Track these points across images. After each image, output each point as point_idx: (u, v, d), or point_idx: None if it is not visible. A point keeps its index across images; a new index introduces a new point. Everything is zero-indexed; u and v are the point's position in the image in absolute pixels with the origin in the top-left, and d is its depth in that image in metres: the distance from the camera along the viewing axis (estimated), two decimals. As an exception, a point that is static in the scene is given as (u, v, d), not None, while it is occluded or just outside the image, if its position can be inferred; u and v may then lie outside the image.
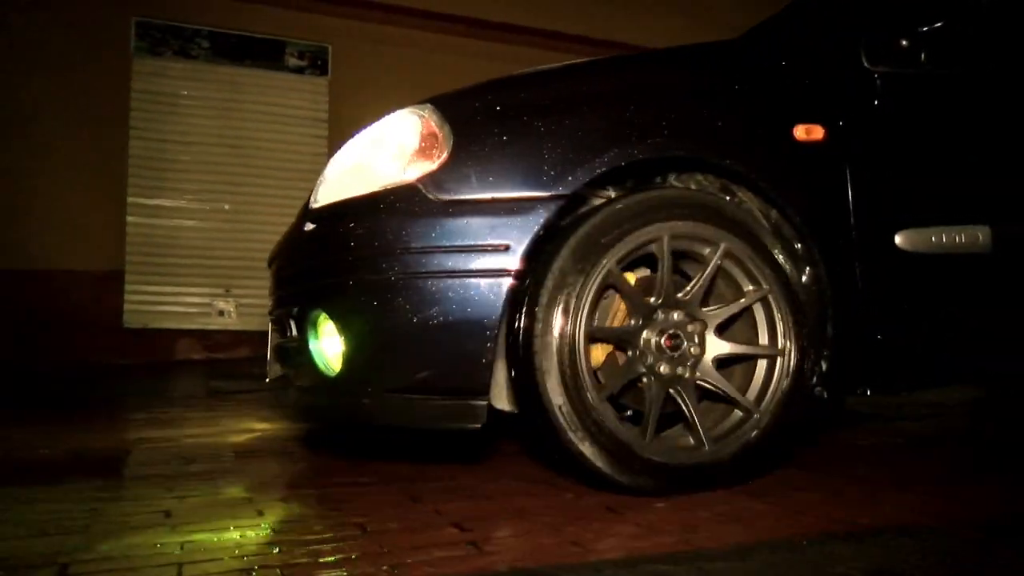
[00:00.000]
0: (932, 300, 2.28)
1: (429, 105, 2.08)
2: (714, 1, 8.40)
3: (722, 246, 2.06)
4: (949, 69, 2.35)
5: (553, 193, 1.98)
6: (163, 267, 7.57)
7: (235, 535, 1.78)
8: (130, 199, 7.46)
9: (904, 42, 2.28)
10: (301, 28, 7.97)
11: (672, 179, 2.30)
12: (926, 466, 2.58)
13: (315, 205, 2.17)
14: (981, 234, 2.27)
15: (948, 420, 3.66)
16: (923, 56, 2.31)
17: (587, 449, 1.95)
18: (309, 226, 2.16)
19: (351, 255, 2.01)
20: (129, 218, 7.45)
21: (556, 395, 1.94)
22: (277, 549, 1.66)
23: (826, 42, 2.31)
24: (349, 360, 2.02)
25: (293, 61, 8.03)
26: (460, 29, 8.25)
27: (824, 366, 2.21)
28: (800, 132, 2.18)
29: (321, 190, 2.17)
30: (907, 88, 2.30)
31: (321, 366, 2.14)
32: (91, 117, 7.22)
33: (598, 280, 1.99)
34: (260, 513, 1.98)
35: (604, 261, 1.99)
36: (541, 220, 1.96)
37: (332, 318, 2.05)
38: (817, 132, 2.19)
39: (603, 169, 2.00)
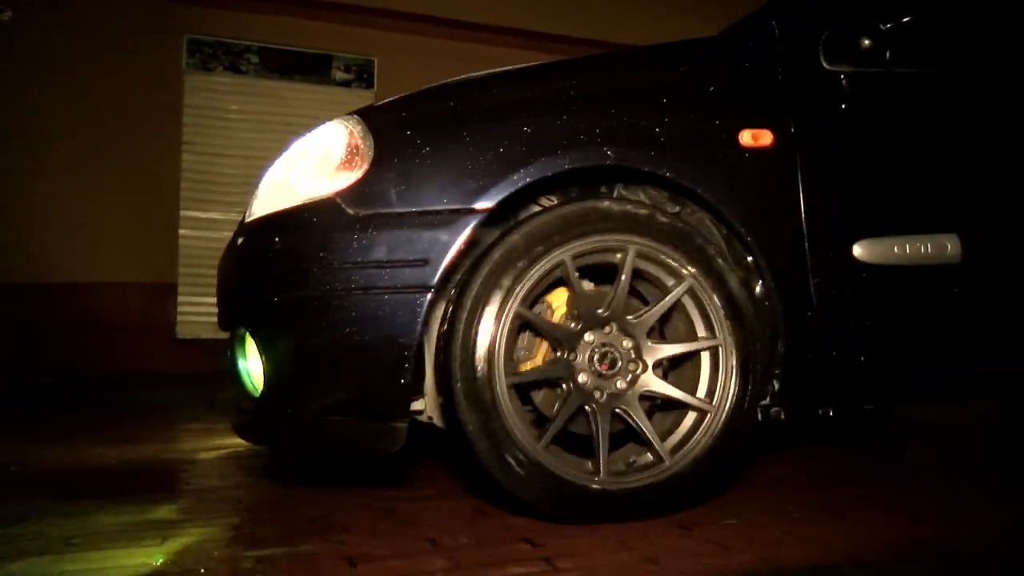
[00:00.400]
0: (895, 314, 2.13)
1: (355, 116, 2.04)
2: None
3: (631, 249, 1.98)
4: (915, 68, 2.21)
5: (474, 206, 1.91)
6: (215, 279, 7.68)
7: (307, 548, 1.79)
8: (182, 212, 7.62)
9: (866, 40, 2.15)
10: (348, 42, 8.05)
11: (620, 189, 2.21)
12: (999, 482, 2.53)
13: (248, 219, 2.15)
14: (950, 243, 2.13)
15: (1009, 431, 3.54)
16: (887, 55, 2.17)
17: (510, 483, 1.90)
18: (239, 240, 2.13)
19: (270, 272, 1.98)
20: (182, 231, 7.61)
21: (473, 422, 1.88)
22: (356, 565, 1.67)
23: (785, 42, 2.19)
24: (269, 381, 1.99)
25: (340, 75, 8.11)
26: (504, 40, 8.21)
27: (776, 384, 2.10)
28: (746, 137, 2.07)
29: (255, 204, 2.15)
30: (868, 89, 2.17)
31: (249, 386, 2.12)
32: (144, 132, 7.40)
33: (519, 299, 1.93)
34: (330, 527, 1.97)
35: (519, 287, 1.93)
36: (462, 234, 1.90)
37: (253, 337, 2.03)
38: (765, 137, 2.07)
39: (529, 180, 1.93)
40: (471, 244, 1.94)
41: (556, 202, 2.15)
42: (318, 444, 2.01)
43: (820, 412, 2.15)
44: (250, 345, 2.07)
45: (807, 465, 2.73)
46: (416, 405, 2.01)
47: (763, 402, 2.10)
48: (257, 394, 2.06)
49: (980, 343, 2.21)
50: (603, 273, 2.10)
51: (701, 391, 2.04)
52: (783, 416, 2.11)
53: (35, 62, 7.00)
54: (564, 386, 1.98)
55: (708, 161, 2.04)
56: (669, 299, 2.01)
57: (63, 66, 7.10)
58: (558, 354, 1.98)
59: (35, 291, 6.91)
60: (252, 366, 2.08)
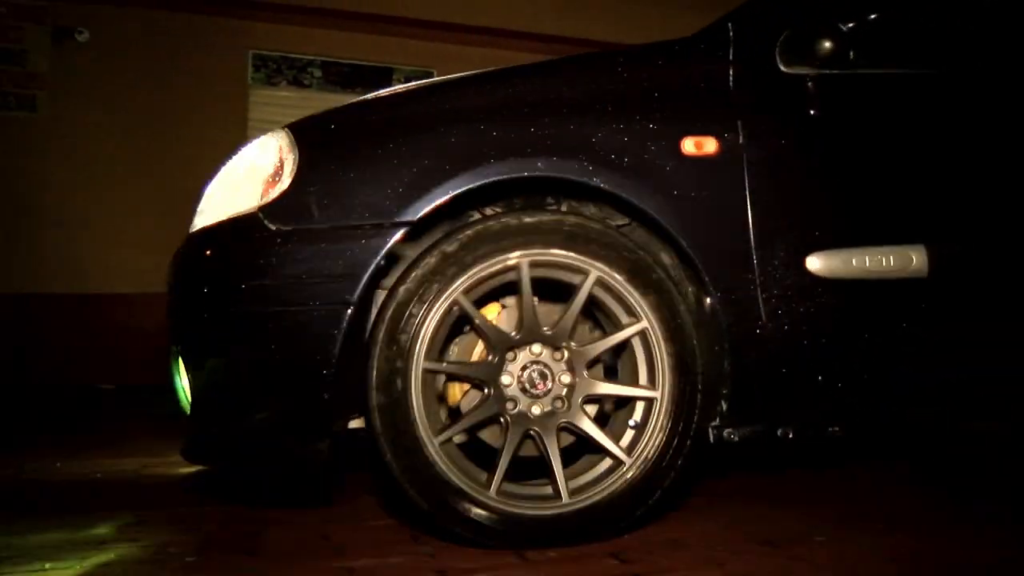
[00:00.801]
0: (855, 332, 1.99)
1: (285, 129, 2.02)
2: None
3: (524, 263, 1.91)
4: (880, 69, 2.07)
5: (395, 220, 1.87)
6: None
7: (396, 560, 1.82)
8: (247, 224, 7.77)
9: (826, 41, 2.01)
10: (408, 55, 8.10)
11: (571, 203, 2.13)
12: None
13: (190, 233, 2.15)
14: (915, 255, 1.97)
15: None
16: (850, 55, 2.04)
17: (412, 492, 1.85)
18: (175, 255, 2.14)
19: (194, 287, 1.97)
20: (247, 242, 7.75)
21: (386, 436, 1.84)
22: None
23: (739, 45, 2.07)
24: (194, 398, 1.98)
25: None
26: (561, 49, 8.12)
27: (725, 404, 1.99)
28: (689, 146, 1.96)
29: (197, 217, 2.15)
30: (827, 91, 2.04)
31: (183, 403, 2.11)
32: (210, 146, 7.55)
33: (437, 317, 1.88)
34: (415, 539, 1.99)
35: (438, 305, 1.88)
36: (383, 249, 1.85)
37: (180, 353, 2.02)
38: (709, 145, 1.97)
39: (452, 193, 1.87)
40: (393, 259, 1.90)
41: (499, 211, 2.09)
42: (244, 463, 2.00)
43: (779, 434, 2.02)
44: (180, 362, 2.06)
45: (869, 482, 2.74)
46: (356, 423, 1.99)
47: (713, 423, 1.99)
48: (187, 412, 2.05)
49: (949, 363, 2.05)
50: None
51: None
52: (736, 438, 2.00)
53: (106, 80, 7.23)
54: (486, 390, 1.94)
55: (645, 171, 1.94)
56: (577, 301, 1.93)
57: (133, 84, 7.31)
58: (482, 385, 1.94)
59: (106, 301, 7.15)
60: (184, 383, 2.08)
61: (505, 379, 1.91)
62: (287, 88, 7.95)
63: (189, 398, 2.01)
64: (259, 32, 7.77)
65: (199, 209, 2.14)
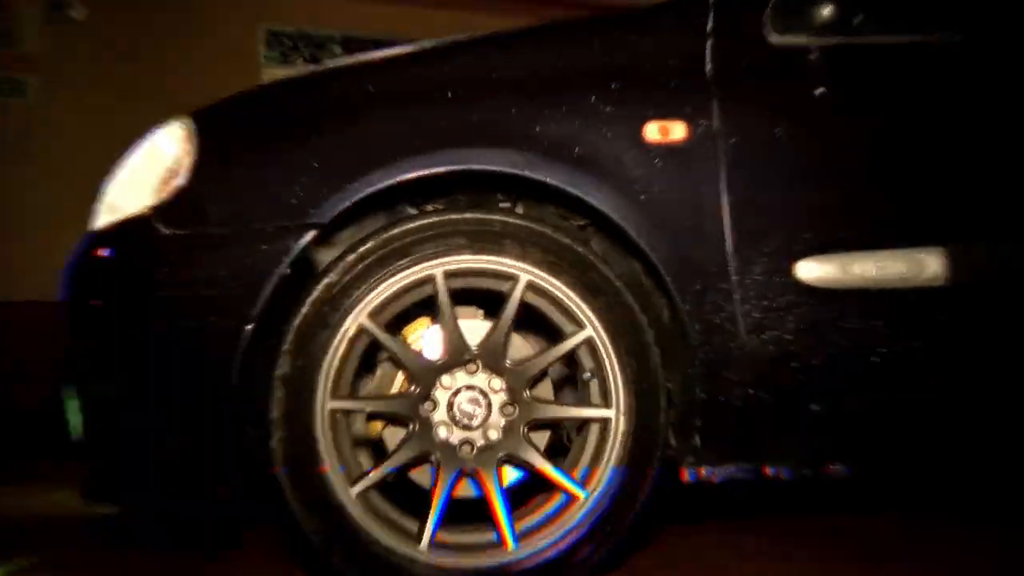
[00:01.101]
0: (856, 352, 1.67)
1: (188, 118, 1.75)
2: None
3: (366, 320, 1.63)
4: (893, 37, 1.74)
5: (303, 222, 1.60)
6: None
7: None
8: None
9: (827, 4, 1.69)
10: (433, 27, 7.73)
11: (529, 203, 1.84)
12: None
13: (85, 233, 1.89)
14: (932, 260, 1.64)
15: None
16: (854, 20, 1.71)
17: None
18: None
19: (83, 299, 1.74)
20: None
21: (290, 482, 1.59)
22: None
23: (720, 12, 1.74)
24: (86, 428, 1.73)
25: (420, 62, 7.90)
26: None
27: (698, 438, 1.68)
28: (652, 132, 1.64)
29: (94, 217, 1.89)
30: (826, 64, 1.70)
31: (75, 432, 1.85)
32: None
33: (346, 341, 1.61)
34: None
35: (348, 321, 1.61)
36: (288, 255, 1.59)
37: (68, 376, 1.77)
38: (677, 131, 1.65)
39: (366, 192, 1.60)
40: (301, 265, 1.63)
41: (441, 207, 1.81)
42: (143, 504, 1.77)
43: (769, 473, 1.72)
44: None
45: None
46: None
47: (688, 459, 1.70)
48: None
49: (969, 387, 1.72)
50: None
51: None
52: (717, 478, 1.70)
53: (105, 62, 6.91)
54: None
55: (600, 162, 1.63)
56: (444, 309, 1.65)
57: (134, 65, 6.96)
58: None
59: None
60: (76, 410, 1.82)
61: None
62: (305, 67, 7.68)
63: (80, 428, 1.76)
64: (273, 6, 7.49)
65: (97, 208, 1.87)
